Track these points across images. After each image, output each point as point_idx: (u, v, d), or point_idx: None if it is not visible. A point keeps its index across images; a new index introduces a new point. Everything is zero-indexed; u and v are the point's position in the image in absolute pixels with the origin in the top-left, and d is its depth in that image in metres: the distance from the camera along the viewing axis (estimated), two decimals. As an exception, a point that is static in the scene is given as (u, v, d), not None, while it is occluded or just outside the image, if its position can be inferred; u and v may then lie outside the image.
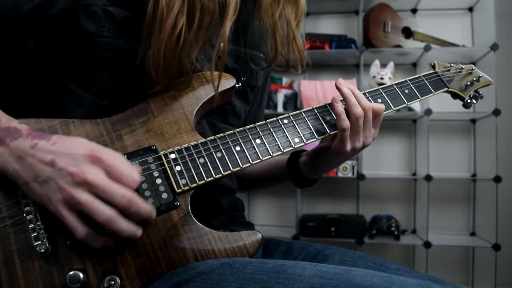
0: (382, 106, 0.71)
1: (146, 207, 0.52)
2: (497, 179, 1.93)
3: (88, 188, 0.49)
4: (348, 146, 0.70)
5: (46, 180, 0.50)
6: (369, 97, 0.73)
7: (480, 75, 0.83)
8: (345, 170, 2.07)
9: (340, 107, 0.69)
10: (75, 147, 0.52)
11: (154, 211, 0.53)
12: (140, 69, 0.61)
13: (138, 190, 0.57)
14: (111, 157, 0.52)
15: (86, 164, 0.50)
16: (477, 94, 0.84)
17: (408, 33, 2.18)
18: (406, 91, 0.76)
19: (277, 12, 0.71)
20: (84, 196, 0.49)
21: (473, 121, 2.24)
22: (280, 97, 2.16)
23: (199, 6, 0.60)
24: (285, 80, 2.31)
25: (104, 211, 0.49)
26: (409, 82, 0.77)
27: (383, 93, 0.75)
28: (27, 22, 0.62)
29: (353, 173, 2.07)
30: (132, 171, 0.52)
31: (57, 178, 0.50)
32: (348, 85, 0.71)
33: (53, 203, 0.50)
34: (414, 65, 2.32)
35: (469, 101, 0.83)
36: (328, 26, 2.38)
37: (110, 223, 0.49)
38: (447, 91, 0.81)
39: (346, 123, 0.68)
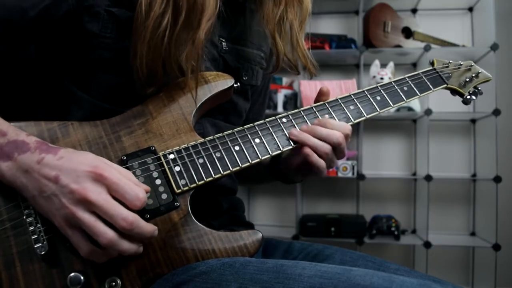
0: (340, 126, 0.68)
1: (148, 228, 0.51)
2: (497, 179, 1.93)
3: (89, 207, 0.49)
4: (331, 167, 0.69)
5: (50, 196, 0.50)
6: (368, 95, 0.73)
7: (479, 71, 0.83)
8: (345, 170, 2.06)
9: (318, 161, 0.66)
10: (80, 163, 0.51)
11: (156, 230, 0.52)
12: (132, 70, 0.61)
13: None
14: (115, 174, 0.51)
15: (88, 181, 0.49)
16: (476, 90, 0.83)
17: (408, 33, 2.18)
18: (405, 88, 0.76)
19: (278, 15, 0.70)
20: (85, 216, 0.48)
21: (473, 121, 2.24)
22: (280, 97, 2.16)
23: (185, 5, 0.59)
24: (285, 80, 2.31)
25: (105, 233, 0.48)
26: (408, 79, 0.77)
27: (381, 91, 0.74)
28: (33, 27, 0.62)
29: (353, 173, 2.07)
30: (137, 189, 0.50)
31: (60, 195, 0.49)
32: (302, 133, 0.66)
33: (57, 220, 0.50)
34: (414, 65, 2.32)
35: (468, 97, 0.82)
36: (328, 26, 2.37)
37: (112, 245, 0.49)
38: (446, 88, 0.81)
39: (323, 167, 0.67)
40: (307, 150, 0.65)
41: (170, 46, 0.60)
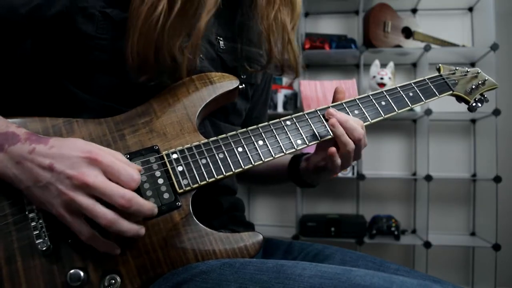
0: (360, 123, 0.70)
1: (147, 205, 0.52)
2: (497, 179, 1.93)
3: (88, 191, 0.49)
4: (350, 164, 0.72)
5: (46, 185, 0.50)
6: (373, 99, 0.73)
7: (486, 79, 0.83)
8: (345, 170, 2.06)
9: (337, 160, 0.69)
10: (73, 149, 0.51)
11: (155, 207, 0.54)
12: (126, 58, 0.61)
13: (140, 190, 0.57)
14: (109, 157, 0.52)
15: (84, 166, 0.50)
16: (482, 98, 0.83)
17: (408, 33, 2.18)
18: (411, 94, 0.76)
19: (272, 14, 0.70)
20: (84, 200, 0.49)
21: (473, 121, 2.24)
22: (280, 97, 2.16)
23: None
24: (285, 80, 2.31)
25: (105, 214, 0.49)
26: (413, 85, 0.77)
27: (387, 96, 0.74)
28: (24, 24, 0.62)
29: (353, 173, 2.07)
30: (130, 170, 0.52)
31: (56, 183, 0.50)
32: (339, 116, 0.68)
33: (56, 208, 0.50)
34: (414, 65, 2.32)
35: (474, 104, 0.82)
36: (328, 26, 2.38)
37: (112, 225, 0.50)
38: (451, 94, 0.81)
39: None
40: (332, 150, 0.67)
41: (163, 34, 0.60)
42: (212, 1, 0.62)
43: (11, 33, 0.63)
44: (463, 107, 0.86)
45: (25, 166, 0.51)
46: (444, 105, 2.03)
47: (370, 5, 2.19)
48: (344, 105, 0.72)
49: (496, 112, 1.94)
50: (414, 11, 2.30)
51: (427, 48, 2.02)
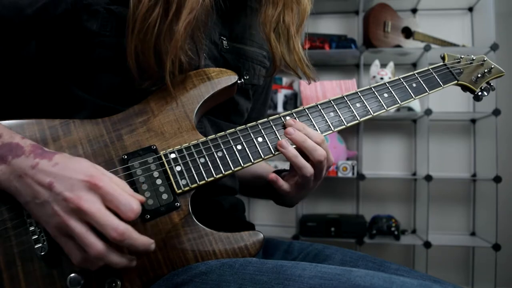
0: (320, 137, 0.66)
1: (141, 240, 0.50)
2: (497, 179, 1.93)
3: (82, 216, 0.48)
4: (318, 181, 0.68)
5: (43, 203, 0.49)
6: (375, 91, 0.72)
7: (492, 66, 0.81)
8: (345, 170, 2.06)
9: (300, 160, 0.64)
10: (75, 170, 0.50)
11: (152, 244, 0.51)
12: (128, 65, 0.60)
13: (138, 191, 0.57)
14: (110, 183, 0.50)
15: (83, 190, 0.48)
16: (488, 86, 0.81)
17: (408, 33, 2.18)
18: (414, 85, 0.74)
19: (275, 17, 0.70)
20: (77, 226, 0.47)
21: (473, 121, 2.23)
22: (280, 97, 2.16)
23: None
24: (285, 80, 2.31)
25: (94, 244, 0.47)
26: (416, 75, 0.75)
27: (389, 87, 0.73)
28: (30, 25, 0.62)
29: (353, 173, 2.07)
30: (131, 201, 0.49)
31: (53, 203, 0.48)
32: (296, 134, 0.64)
33: (49, 227, 0.50)
34: (414, 65, 2.32)
35: (480, 93, 0.80)
36: (328, 26, 2.37)
37: (101, 257, 0.48)
38: (456, 84, 0.78)
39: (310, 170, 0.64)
40: (272, 176, 0.65)
41: (161, 38, 0.59)
42: (187, 9, 0.59)
43: (15, 34, 0.62)
44: (463, 107, 0.85)
45: (25, 181, 0.50)
46: (444, 105, 2.04)
47: (370, 5, 2.19)
48: (346, 98, 0.70)
49: (496, 112, 1.94)
50: (414, 11, 2.30)
51: (427, 48, 2.02)
